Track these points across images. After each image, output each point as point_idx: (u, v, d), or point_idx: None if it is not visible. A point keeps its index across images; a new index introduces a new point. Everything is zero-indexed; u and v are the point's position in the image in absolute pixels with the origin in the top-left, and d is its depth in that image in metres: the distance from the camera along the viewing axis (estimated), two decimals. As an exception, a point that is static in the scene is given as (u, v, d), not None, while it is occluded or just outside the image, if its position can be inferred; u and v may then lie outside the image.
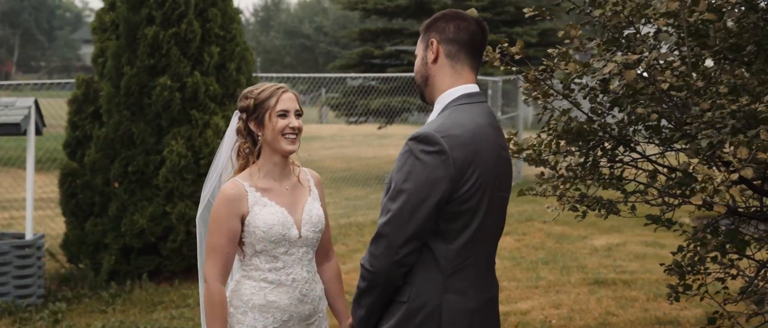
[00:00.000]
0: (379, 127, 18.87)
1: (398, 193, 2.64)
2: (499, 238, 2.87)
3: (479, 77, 14.93)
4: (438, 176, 2.61)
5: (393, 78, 15.89)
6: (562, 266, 8.69)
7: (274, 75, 11.61)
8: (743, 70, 3.77)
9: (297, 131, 3.25)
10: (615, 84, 3.62)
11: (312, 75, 16.01)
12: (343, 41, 65.38)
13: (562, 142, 3.95)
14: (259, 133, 3.27)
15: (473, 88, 2.83)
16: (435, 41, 2.82)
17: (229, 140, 3.42)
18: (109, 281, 8.04)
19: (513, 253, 9.40)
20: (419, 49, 2.90)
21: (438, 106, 2.82)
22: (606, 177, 4.17)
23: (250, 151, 3.31)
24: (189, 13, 8.25)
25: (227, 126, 8.36)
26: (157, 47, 8.21)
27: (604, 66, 3.32)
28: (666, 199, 3.94)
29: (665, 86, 3.23)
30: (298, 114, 3.27)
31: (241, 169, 3.34)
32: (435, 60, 2.82)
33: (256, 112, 3.26)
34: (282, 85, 3.32)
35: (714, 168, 3.36)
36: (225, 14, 8.62)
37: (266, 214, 3.21)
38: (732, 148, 2.83)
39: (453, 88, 2.80)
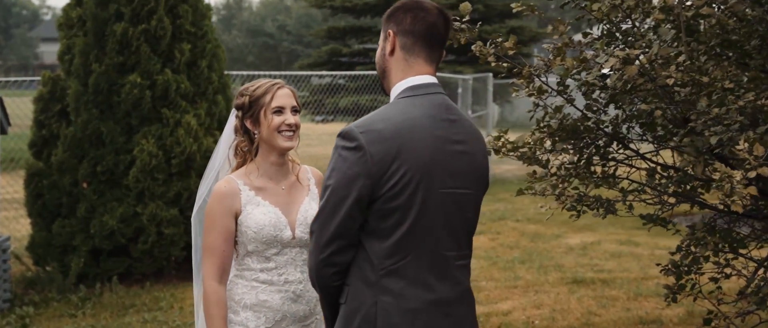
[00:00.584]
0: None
1: (324, 189, 2.58)
2: (461, 236, 2.68)
3: (449, 75, 14.88)
4: (355, 172, 2.51)
5: (361, 76, 15.74)
6: (539, 265, 8.62)
7: (235, 73, 11.39)
8: (734, 68, 3.70)
9: (294, 128, 3.14)
10: (613, 79, 3.52)
11: (274, 74, 15.77)
12: (307, 40, 65.23)
13: (557, 140, 3.84)
14: (256, 131, 3.16)
15: (422, 79, 2.69)
16: (392, 33, 2.70)
17: (227, 138, 3.30)
18: (78, 284, 7.82)
19: (489, 252, 9.32)
20: (381, 40, 2.79)
21: (390, 99, 2.73)
22: (598, 176, 4.09)
23: (248, 150, 3.20)
24: (159, 9, 8.05)
25: (198, 125, 8.21)
26: (127, 44, 8.00)
27: (605, 61, 3.21)
28: (664, 198, 3.86)
29: (670, 82, 3.14)
30: (295, 110, 3.15)
31: (239, 167, 3.22)
32: (392, 52, 2.71)
33: (251, 109, 3.15)
34: (278, 81, 3.20)
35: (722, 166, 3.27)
36: (196, 10, 8.43)
37: (258, 214, 3.10)
38: (746, 145, 2.74)
39: (402, 81, 2.69)
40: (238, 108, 3.19)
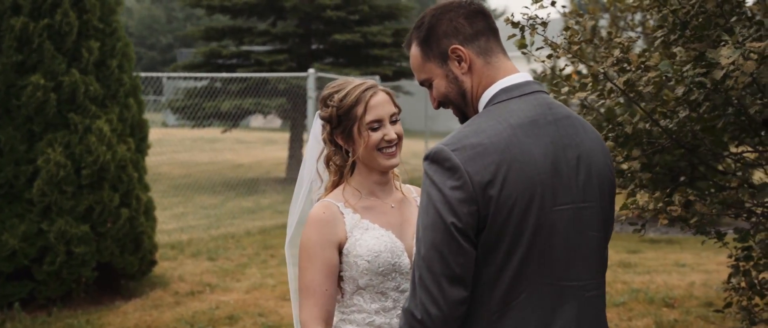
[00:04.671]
0: (224, 131, 17.97)
1: (424, 229, 2.10)
2: (587, 261, 2.21)
3: (336, 76, 14.46)
4: (456, 198, 2.06)
5: (241, 79, 15.07)
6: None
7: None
8: None
9: (396, 142, 2.59)
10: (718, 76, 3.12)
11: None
12: (150, 42, 62.93)
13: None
14: (349, 150, 2.61)
15: (515, 79, 2.25)
16: (458, 47, 2.24)
17: (314, 150, 2.74)
18: (-25, 313, 6.88)
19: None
20: (432, 71, 2.30)
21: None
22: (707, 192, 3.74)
23: (343, 165, 2.65)
24: (64, 2, 7.20)
25: (111, 131, 7.41)
26: (27, 41, 7.12)
27: (729, 57, 2.87)
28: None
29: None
30: (394, 120, 2.60)
31: (334, 185, 2.66)
32: (469, 68, 2.25)
33: (341, 124, 2.59)
34: (369, 83, 2.62)
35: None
36: (104, 4, 7.62)
37: (369, 239, 2.53)
38: None
39: (491, 87, 2.24)
40: (325, 121, 2.64)
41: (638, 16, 6.09)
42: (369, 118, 2.55)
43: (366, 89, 2.59)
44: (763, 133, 3.48)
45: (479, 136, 2.11)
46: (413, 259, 2.13)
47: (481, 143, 2.09)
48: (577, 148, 2.21)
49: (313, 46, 17.57)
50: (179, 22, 66.19)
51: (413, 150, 23.12)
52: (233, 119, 16.57)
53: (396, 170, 2.72)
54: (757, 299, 4.00)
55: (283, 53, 16.89)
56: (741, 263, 3.98)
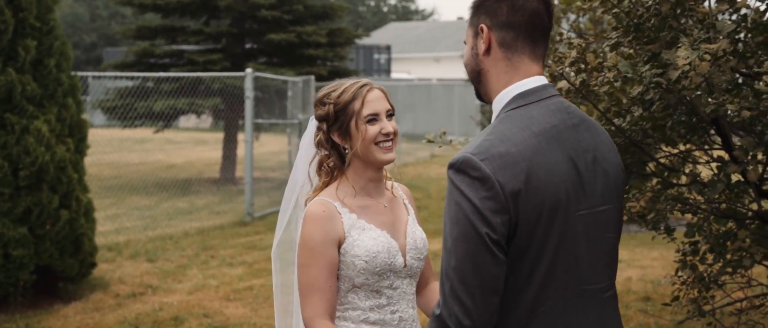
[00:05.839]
0: (156, 131, 17.71)
1: (454, 240, 2.08)
2: (605, 263, 2.25)
3: (274, 77, 14.37)
4: (488, 207, 2.04)
5: (175, 78, 14.86)
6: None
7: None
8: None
9: (392, 136, 2.63)
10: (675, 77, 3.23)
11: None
12: (74, 40, 61.48)
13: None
14: (346, 146, 2.63)
15: (531, 83, 2.24)
16: (485, 27, 2.23)
17: (306, 154, 2.75)
18: None
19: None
20: (468, 37, 2.32)
21: (494, 113, 2.28)
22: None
23: (336, 166, 2.67)
24: (-1, -1, 7.03)
25: (50, 132, 7.26)
26: (-39, 39, 6.93)
27: (687, 58, 2.97)
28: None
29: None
30: (390, 114, 2.65)
31: (325, 186, 2.68)
32: (487, 51, 2.25)
33: (338, 120, 2.62)
34: (364, 81, 2.67)
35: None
36: (41, 3, 7.44)
37: (367, 239, 2.57)
38: None
39: (507, 88, 2.24)
40: (320, 119, 2.66)
41: (585, 19, 6.22)
42: (366, 112, 2.59)
43: (362, 86, 2.64)
44: (712, 131, 3.61)
45: (506, 144, 2.09)
46: (443, 268, 2.09)
47: (508, 152, 2.08)
48: (594, 152, 2.23)
49: (248, 46, 17.44)
50: (104, 20, 64.94)
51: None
52: (166, 119, 16.34)
53: (386, 170, 2.76)
54: (704, 292, 4.14)
55: (217, 53, 16.71)
56: (688, 257, 4.12)
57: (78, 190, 7.53)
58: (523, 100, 2.20)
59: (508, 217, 2.05)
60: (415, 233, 2.71)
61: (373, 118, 2.60)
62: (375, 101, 2.62)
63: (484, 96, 2.33)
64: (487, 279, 2.05)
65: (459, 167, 2.08)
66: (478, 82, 2.31)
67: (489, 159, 2.06)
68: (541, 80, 2.26)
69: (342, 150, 2.67)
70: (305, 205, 2.68)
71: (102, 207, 12.90)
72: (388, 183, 2.78)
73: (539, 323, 2.13)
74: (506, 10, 2.23)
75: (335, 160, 2.67)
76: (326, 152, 2.68)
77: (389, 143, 2.63)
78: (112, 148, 24.00)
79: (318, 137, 2.69)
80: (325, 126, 2.66)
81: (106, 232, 10.72)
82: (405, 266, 2.64)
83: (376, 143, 2.60)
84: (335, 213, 2.58)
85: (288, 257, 2.81)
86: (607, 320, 2.25)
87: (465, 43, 2.36)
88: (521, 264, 2.09)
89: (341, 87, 2.65)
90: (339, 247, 2.58)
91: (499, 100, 2.24)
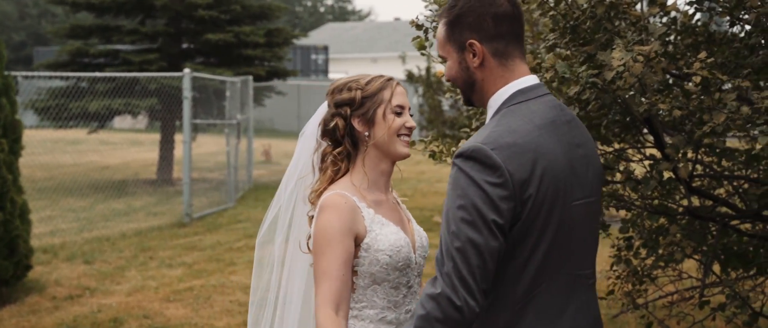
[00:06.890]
0: (91, 132, 17.42)
1: (458, 227, 2.17)
2: (591, 251, 2.41)
3: (213, 77, 14.28)
4: (498, 195, 2.16)
5: (110, 78, 14.65)
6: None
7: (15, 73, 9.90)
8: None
9: (411, 133, 2.67)
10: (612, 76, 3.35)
11: None
12: (3, 38, 59.98)
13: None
14: (366, 133, 2.63)
15: (527, 81, 2.37)
16: (475, 42, 2.34)
17: (309, 144, 2.75)
18: None
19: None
20: (449, 51, 2.41)
21: (490, 111, 2.40)
22: None
23: (348, 156, 2.67)
24: (-69, -3, 6.89)
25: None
26: None
27: (621, 59, 3.09)
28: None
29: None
30: (410, 114, 2.70)
31: (330, 181, 2.66)
32: (481, 64, 2.36)
33: (363, 106, 2.63)
34: (390, 76, 2.71)
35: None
36: (-26, 0, 7.32)
37: (389, 234, 2.57)
38: None
39: (505, 87, 2.36)
40: (342, 104, 2.65)
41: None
42: (395, 102, 2.63)
43: (390, 79, 2.70)
44: (645, 130, 3.75)
45: (513, 135, 2.22)
46: (444, 249, 2.17)
47: (516, 143, 2.21)
48: (584, 147, 2.39)
49: (184, 46, 17.26)
50: (33, 19, 63.55)
51: (285, 150, 23.11)
52: (101, 120, 16.09)
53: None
54: (638, 285, 4.28)
55: (153, 52, 16.52)
56: (623, 252, 4.26)
57: (13, 191, 7.41)
58: (523, 96, 2.34)
59: (514, 204, 2.18)
60: (420, 230, 2.76)
61: (400, 111, 2.65)
62: (402, 95, 2.67)
63: (476, 102, 2.45)
64: (488, 262, 2.17)
65: (470, 155, 2.20)
66: (472, 91, 2.42)
67: (499, 149, 2.19)
68: (535, 79, 2.41)
69: (359, 138, 2.66)
70: (309, 198, 2.67)
71: (36, 209, 12.65)
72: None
73: (534, 305, 2.26)
74: (491, 22, 2.35)
75: (349, 150, 2.66)
76: (337, 141, 2.67)
77: (408, 138, 2.67)
78: (44, 150, 23.54)
79: (333, 123, 2.66)
80: (347, 111, 2.65)
81: (40, 234, 10.55)
82: (415, 262, 2.66)
83: (399, 135, 2.63)
84: (355, 207, 2.57)
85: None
86: (592, 303, 2.41)
87: (442, 58, 2.46)
88: (521, 249, 2.24)
89: (367, 77, 2.68)
90: (358, 241, 2.56)
91: (497, 99, 2.37)
